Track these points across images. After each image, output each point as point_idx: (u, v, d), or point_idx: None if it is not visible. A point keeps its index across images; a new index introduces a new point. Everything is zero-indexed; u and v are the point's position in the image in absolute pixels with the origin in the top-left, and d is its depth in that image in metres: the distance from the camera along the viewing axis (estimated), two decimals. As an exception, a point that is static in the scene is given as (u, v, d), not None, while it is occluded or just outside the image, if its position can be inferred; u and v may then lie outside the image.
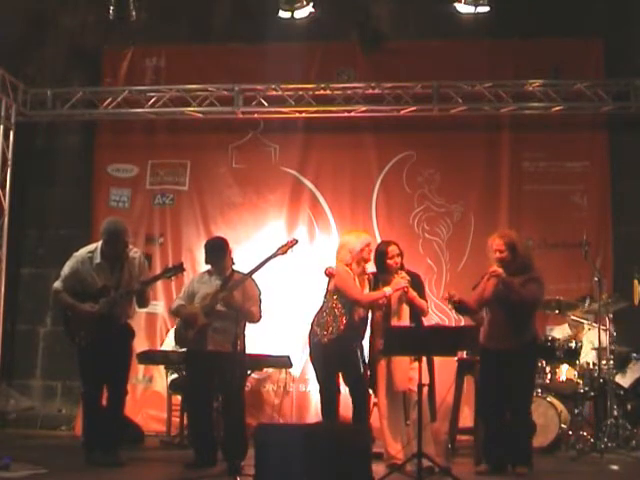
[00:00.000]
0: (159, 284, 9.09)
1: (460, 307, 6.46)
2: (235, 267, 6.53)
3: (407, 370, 6.24)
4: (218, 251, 6.60)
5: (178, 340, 6.75)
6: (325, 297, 6.66)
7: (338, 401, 6.57)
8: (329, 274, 6.68)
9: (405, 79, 9.09)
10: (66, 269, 6.51)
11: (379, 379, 6.41)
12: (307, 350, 6.76)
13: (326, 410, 6.57)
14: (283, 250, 6.39)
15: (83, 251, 6.56)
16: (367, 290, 6.63)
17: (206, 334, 6.38)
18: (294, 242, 6.47)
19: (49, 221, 9.81)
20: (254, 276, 6.45)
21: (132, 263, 6.51)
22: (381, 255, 6.63)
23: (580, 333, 8.11)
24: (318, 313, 6.65)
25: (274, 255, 6.37)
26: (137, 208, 9.64)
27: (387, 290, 6.43)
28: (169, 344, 8.57)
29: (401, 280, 6.42)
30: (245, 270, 6.43)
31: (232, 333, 6.17)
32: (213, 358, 6.30)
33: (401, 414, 6.28)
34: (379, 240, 8.56)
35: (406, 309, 6.48)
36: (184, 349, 6.83)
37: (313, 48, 9.51)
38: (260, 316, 6.54)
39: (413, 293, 6.50)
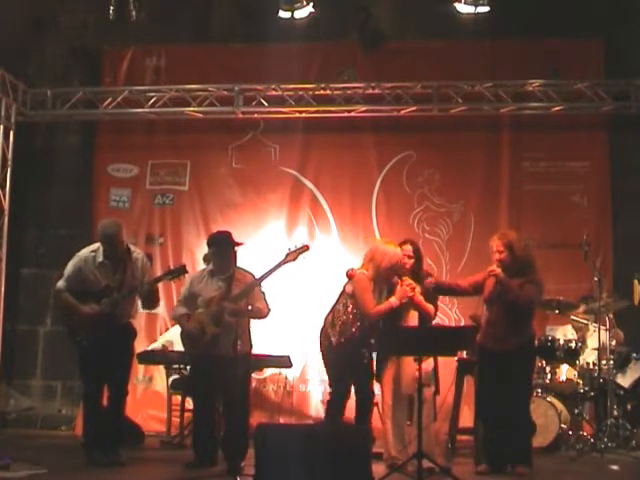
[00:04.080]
0: (159, 284, 9.10)
1: (439, 289, 6.52)
2: (238, 265, 6.46)
3: (415, 374, 6.23)
4: (224, 246, 6.45)
5: (189, 347, 6.63)
6: (340, 298, 6.57)
7: (344, 406, 6.51)
8: (350, 276, 6.57)
9: (405, 79, 9.09)
10: (69, 268, 6.50)
11: (386, 379, 6.39)
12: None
13: (330, 412, 6.52)
14: (293, 257, 6.26)
15: (86, 250, 6.55)
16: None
17: (218, 342, 6.29)
18: (305, 249, 6.31)
19: (49, 221, 9.82)
20: (252, 272, 6.42)
21: (135, 263, 6.49)
22: None
23: (585, 334, 8.11)
24: (331, 312, 6.56)
25: (284, 262, 6.25)
26: (137, 208, 9.65)
27: (392, 301, 6.38)
28: (167, 337, 8.56)
29: (406, 288, 6.37)
30: (250, 266, 6.40)
31: (241, 336, 6.13)
32: (220, 360, 6.19)
33: (405, 414, 6.29)
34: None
35: (414, 313, 6.48)
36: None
37: (313, 48, 9.52)
38: (268, 310, 6.46)
39: (419, 297, 6.47)
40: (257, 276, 6.32)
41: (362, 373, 6.49)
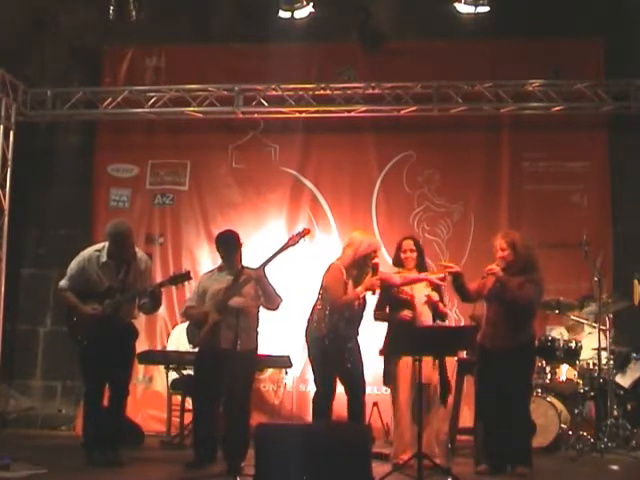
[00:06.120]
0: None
1: (457, 280, 6.42)
2: (244, 263, 6.49)
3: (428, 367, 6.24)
4: (229, 244, 6.55)
5: (191, 339, 6.66)
6: (319, 292, 6.64)
7: (331, 401, 6.52)
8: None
9: (405, 79, 9.09)
10: (73, 267, 6.49)
11: (400, 376, 6.38)
12: (306, 348, 6.73)
13: (317, 409, 6.52)
14: (294, 240, 6.35)
15: (90, 249, 6.56)
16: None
17: (219, 332, 6.34)
18: (306, 232, 6.44)
19: (49, 221, 9.82)
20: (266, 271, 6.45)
21: (138, 265, 6.51)
22: (397, 249, 6.74)
23: (578, 335, 8.12)
24: (313, 308, 6.62)
25: (285, 247, 6.34)
26: (137, 208, 9.65)
27: (358, 290, 6.44)
28: (173, 342, 8.54)
29: (375, 281, 6.42)
30: (255, 264, 6.41)
31: (245, 330, 6.18)
32: (225, 356, 6.20)
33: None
34: (380, 240, 8.56)
35: (428, 313, 6.54)
36: (195, 349, 6.73)
37: (313, 48, 9.51)
38: (280, 299, 6.49)
39: (436, 297, 6.55)
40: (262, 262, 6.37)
41: (348, 367, 6.47)
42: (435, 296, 6.58)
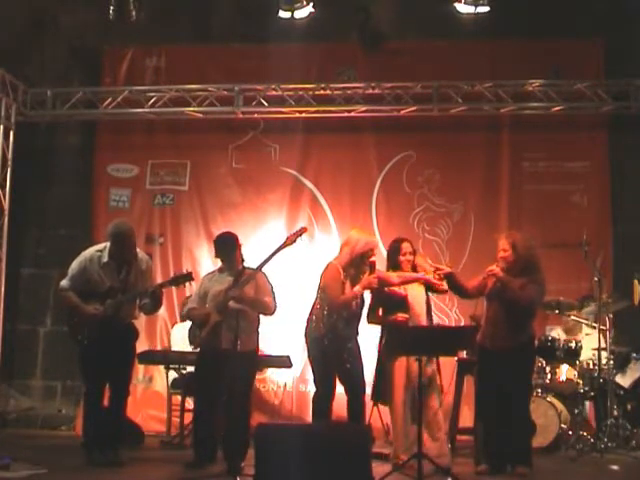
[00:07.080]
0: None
1: (451, 279, 6.48)
2: (245, 264, 6.50)
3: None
4: (228, 246, 6.58)
5: (192, 340, 6.68)
6: (317, 292, 6.64)
7: (331, 401, 6.53)
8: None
9: (405, 79, 9.09)
10: (74, 267, 6.50)
11: (396, 377, 6.38)
12: (306, 348, 6.73)
13: (317, 409, 6.52)
14: (291, 239, 6.36)
15: (92, 249, 6.57)
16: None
17: (220, 332, 6.35)
18: (303, 230, 6.44)
19: (49, 221, 9.82)
20: (266, 271, 6.48)
21: (139, 265, 6.51)
22: (394, 251, 6.69)
23: (576, 336, 8.12)
24: (312, 307, 6.62)
25: (283, 246, 6.34)
26: (137, 208, 9.65)
27: (356, 289, 6.45)
28: (178, 343, 8.53)
29: (372, 279, 6.43)
30: (254, 264, 6.42)
31: (245, 331, 6.19)
32: (226, 357, 6.21)
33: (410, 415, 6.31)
34: (380, 240, 8.57)
35: (422, 311, 6.54)
36: (196, 349, 6.74)
37: (313, 48, 9.51)
38: (275, 307, 6.51)
39: (431, 278, 6.59)
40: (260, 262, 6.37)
41: (348, 367, 6.47)
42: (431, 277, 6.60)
